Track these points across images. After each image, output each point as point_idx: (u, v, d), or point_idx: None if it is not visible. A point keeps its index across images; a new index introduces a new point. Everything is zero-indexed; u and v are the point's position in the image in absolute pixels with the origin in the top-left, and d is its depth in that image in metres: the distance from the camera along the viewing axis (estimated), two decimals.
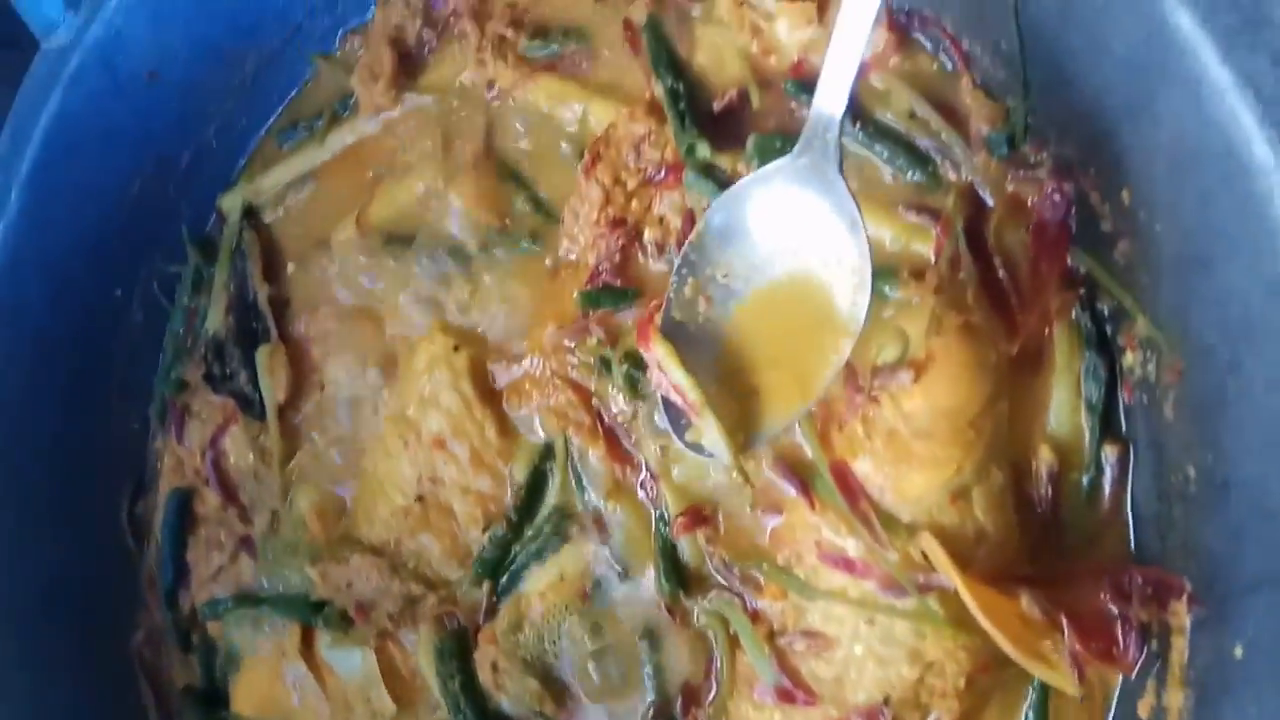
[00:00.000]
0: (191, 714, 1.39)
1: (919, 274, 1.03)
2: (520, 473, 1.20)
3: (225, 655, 1.39)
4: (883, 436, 0.98)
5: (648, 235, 1.19)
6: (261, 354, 1.33)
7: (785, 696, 1.01)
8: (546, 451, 1.19)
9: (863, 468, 0.99)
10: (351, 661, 1.26)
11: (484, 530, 1.20)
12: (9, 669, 1.32)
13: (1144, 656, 0.89)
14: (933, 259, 1.01)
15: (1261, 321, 0.76)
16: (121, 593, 1.46)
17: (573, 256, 1.21)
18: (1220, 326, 0.81)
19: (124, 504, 1.46)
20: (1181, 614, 0.84)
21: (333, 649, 1.28)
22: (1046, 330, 0.97)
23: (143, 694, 1.45)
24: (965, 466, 0.95)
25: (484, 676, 1.17)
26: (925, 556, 0.95)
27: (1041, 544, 0.96)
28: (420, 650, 1.23)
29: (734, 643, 1.08)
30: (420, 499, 1.23)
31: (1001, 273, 0.99)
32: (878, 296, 1.01)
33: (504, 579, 1.19)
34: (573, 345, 1.19)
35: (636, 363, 1.15)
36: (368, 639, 1.24)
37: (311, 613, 1.27)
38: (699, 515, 1.11)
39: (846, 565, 0.99)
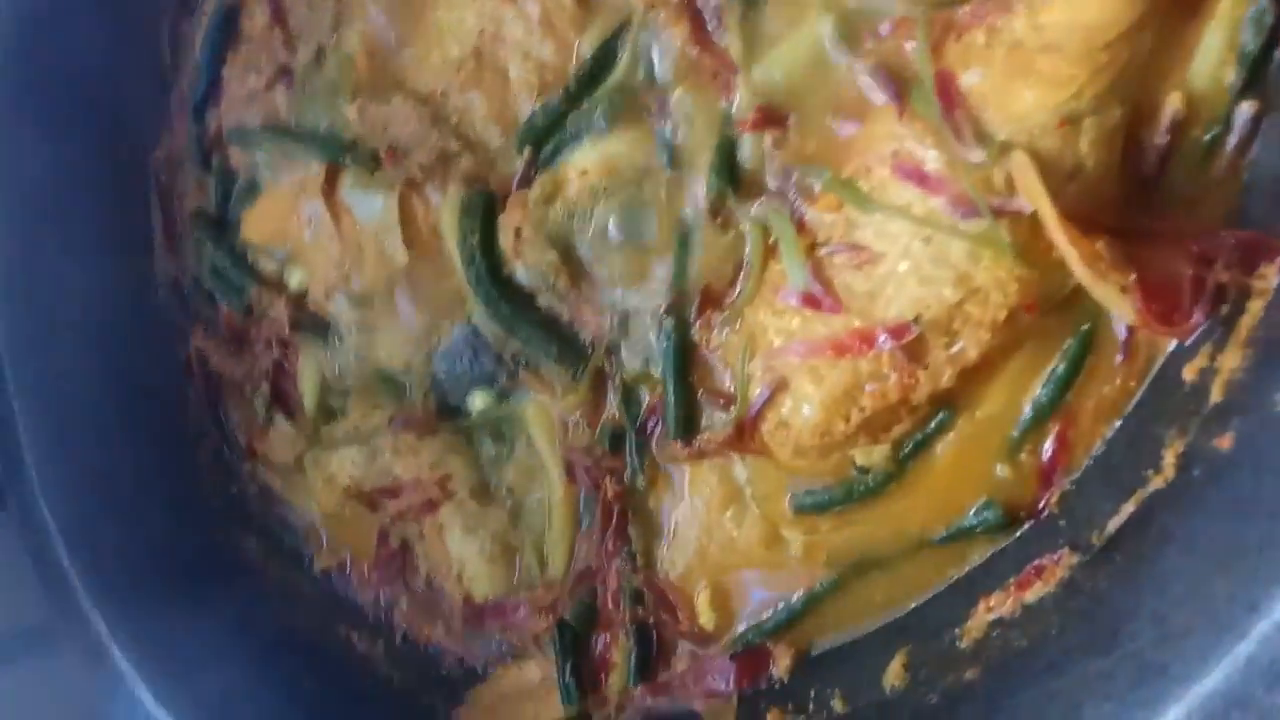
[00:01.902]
0: (199, 236, 1.37)
1: None
2: (589, 45, 1.11)
3: (243, 184, 1.36)
4: (1005, 46, 0.88)
5: None
6: None
7: (810, 302, 0.96)
8: (622, 25, 1.10)
9: (970, 79, 0.90)
10: (372, 206, 1.22)
11: (536, 99, 1.13)
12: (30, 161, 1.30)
13: (1205, 325, 0.84)
14: None
15: None
16: (150, 109, 1.41)
17: None
18: None
19: (167, 17, 1.40)
20: (1270, 276, 0.78)
21: (355, 190, 1.23)
22: None
23: (152, 214, 1.44)
24: (1086, 92, 0.86)
25: (504, 240, 1.13)
26: (1009, 180, 0.88)
27: (1136, 197, 0.89)
28: (445, 206, 1.18)
29: (769, 252, 1.04)
30: (477, 53, 1.15)
31: None
32: None
33: (547, 149, 1.13)
34: None
35: None
36: (394, 184, 1.19)
37: (341, 151, 1.22)
38: (771, 115, 1.02)
39: (920, 179, 0.91)
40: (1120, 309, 0.83)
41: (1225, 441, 0.76)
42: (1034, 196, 0.86)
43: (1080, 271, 0.82)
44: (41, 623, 1.25)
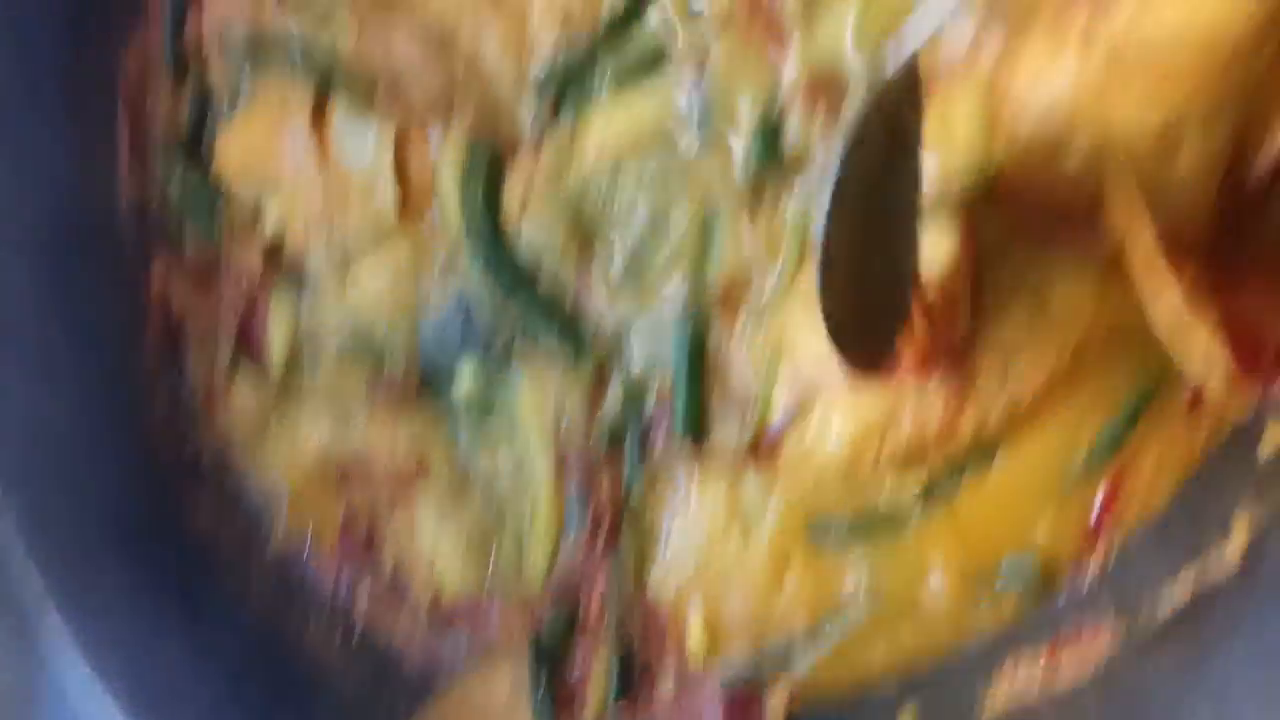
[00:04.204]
0: (168, 155, 1.23)
1: None
2: None
3: (221, 101, 1.21)
4: (1105, 48, 0.77)
5: None
6: None
7: None
8: None
9: (1061, 80, 0.79)
10: (364, 145, 1.08)
11: (558, 39, 1.00)
12: None
13: None
14: None
15: None
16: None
17: None
18: None
19: None
20: None
21: (346, 125, 1.09)
22: None
23: (117, 124, 1.29)
24: (1193, 110, 0.75)
25: (509, 203, 1.01)
26: (1095, 196, 0.78)
27: (1229, 233, 0.79)
28: (446, 156, 1.05)
29: (810, 247, 0.93)
30: None
31: None
32: None
33: (565, 103, 1.01)
34: None
35: None
36: (390, 123, 1.06)
37: (334, 76, 1.08)
38: (825, 87, 0.91)
39: None
40: (1201, 364, 0.73)
41: None
42: (1127, 217, 0.76)
43: (1161, 311, 0.72)
44: None
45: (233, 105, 1.20)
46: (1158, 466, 0.81)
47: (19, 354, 1.15)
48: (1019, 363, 0.81)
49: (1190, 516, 0.77)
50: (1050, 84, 0.79)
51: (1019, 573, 0.83)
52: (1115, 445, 0.82)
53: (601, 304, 1.00)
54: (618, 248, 0.98)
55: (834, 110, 0.90)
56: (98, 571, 1.09)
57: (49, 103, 1.20)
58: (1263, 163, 0.78)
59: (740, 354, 0.95)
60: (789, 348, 0.91)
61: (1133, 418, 0.81)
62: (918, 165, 0.77)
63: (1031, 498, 0.84)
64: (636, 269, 0.98)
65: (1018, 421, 0.83)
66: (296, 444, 1.12)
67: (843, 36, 0.88)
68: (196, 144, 1.22)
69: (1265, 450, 0.75)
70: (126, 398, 1.21)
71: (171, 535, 1.16)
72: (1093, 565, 0.81)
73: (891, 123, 0.75)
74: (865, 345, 0.77)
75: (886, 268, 0.78)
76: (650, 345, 0.99)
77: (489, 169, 1.02)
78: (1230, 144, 0.78)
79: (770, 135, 0.93)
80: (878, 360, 0.79)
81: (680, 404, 0.94)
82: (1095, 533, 0.82)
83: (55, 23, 1.20)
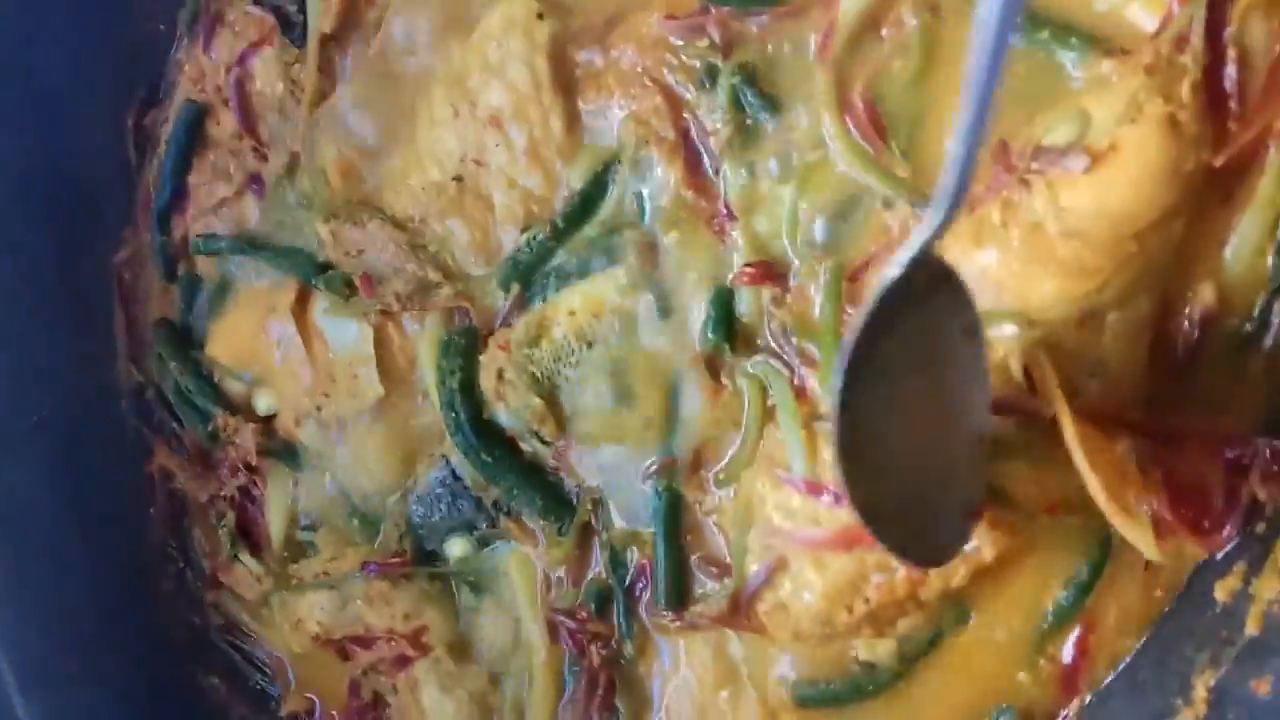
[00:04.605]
0: (162, 347, 1.29)
1: (1127, 49, 0.84)
2: (578, 178, 1.05)
3: (210, 296, 1.28)
4: (1023, 228, 0.82)
5: None
6: None
7: (813, 489, 0.90)
8: (612, 159, 1.04)
9: (985, 259, 0.84)
10: (346, 333, 1.14)
11: (521, 231, 1.07)
12: None
13: (1239, 538, 0.78)
14: (1154, 31, 0.82)
15: None
16: (112, 204, 1.32)
17: None
18: None
19: (132, 110, 1.31)
20: None
21: (328, 316, 1.16)
22: (1259, 151, 0.80)
23: (115, 320, 1.35)
24: (1112, 283, 0.80)
25: (486, 382, 1.05)
26: (1027, 374, 0.83)
27: (1162, 393, 0.83)
28: (423, 340, 1.11)
29: (768, 415, 0.97)
30: (458, 179, 1.08)
31: (1230, 70, 0.80)
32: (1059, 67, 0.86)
33: (532, 288, 1.07)
34: (679, 44, 1.01)
35: (749, 80, 0.98)
36: (368, 314, 1.12)
37: (314, 272, 1.14)
38: (770, 272, 0.96)
39: None
40: (1136, 537, 0.76)
41: (1263, 687, 0.71)
42: (1051, 400, 0.80)
43: (1097, 494, 0.76)
44: None
45: (220, 296, 1.27)
46: (1120, 620, 0.84)
47: (32, 542, 1.20)
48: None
49: (1156, 668, 0.80)
50: (976, 260, 0.85)
51: None
52: (1080, 597, 0.85)
53: (580, 469, 1.04)
54: (591, 418, 1.03)
55: (780, 285, 0.96)
56: None
57: (49, 303, 1.27)
58: (1188, 322, 0.82)
59: (713, 517, 0.99)
60: (758, 507, 0.95)
61: (1095, 570, 0.85)
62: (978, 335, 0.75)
63: (1007, 653, 0.87)
64: (610, 437, 1.03)
65: (984, 578, 0.86)
66: (298, 622, 1.16)
67: (781, 219, 0.94)
68: (188, 335, 1.29)
69: (1220, 596, 0.78)
70: (138, 580, 1.26)
71: (184, 710, 1.20)
72: (1071, 714, 0.84)
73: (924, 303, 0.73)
74: (916, 535, 0.75)
75: (939, 447, 0.75)
76: (628, 510, 1.03)
77: (464, 351, 1.07)
78: (1155, 307, 0.82)
79: (723, 310, 0.98)
80: (939, 551, 0.77)
81: (661, 578, 0.98)
82: (1070, 682, 0.85)
83: (50, 229, 1.27)
